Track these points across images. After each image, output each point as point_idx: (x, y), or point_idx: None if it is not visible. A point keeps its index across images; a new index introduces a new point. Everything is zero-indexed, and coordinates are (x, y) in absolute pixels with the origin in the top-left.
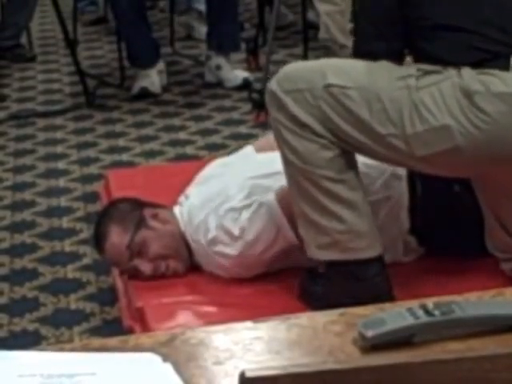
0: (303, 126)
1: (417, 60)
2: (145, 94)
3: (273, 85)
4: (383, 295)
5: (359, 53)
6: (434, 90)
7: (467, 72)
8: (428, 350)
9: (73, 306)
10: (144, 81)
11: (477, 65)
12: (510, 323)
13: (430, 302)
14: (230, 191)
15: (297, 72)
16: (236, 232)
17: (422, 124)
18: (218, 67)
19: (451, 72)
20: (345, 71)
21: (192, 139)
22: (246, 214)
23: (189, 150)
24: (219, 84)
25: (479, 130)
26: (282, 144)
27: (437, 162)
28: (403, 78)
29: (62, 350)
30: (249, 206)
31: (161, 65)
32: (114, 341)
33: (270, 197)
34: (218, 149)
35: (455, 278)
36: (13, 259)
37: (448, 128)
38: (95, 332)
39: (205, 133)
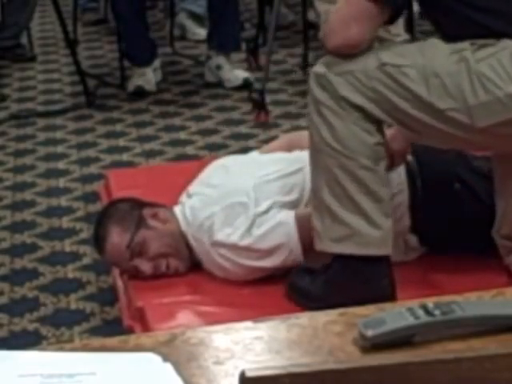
0: (353, 107)
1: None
2: (140, 92)
3: (320, 68)
4: (386, 299)
5: None
6: (492, 60)
7: None
8: (428, 350)
9: (73, 306)
10: (139, 79)
11: None
12: (510, 323)
13: (429, 302)
14: (234, 193)
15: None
16: (245, 242)
17: (486, 94)
18: (219, 67)
19: (508, 43)
20: (397, 52)
21: (192, 139)
22: (260, 228)
23: (189, 149)
24: (219, 84)
25: None
26: (322, 126)
27: (497, 133)
28: (458, 52)
29: (62, 349)
30: (261, 214)
31: (156, 62)
32: (114, 341)
33: (290, 218)
34: (218, 149)
35: (455, 278)
36: (13, 259)
37: None
38: (95, 332)
39: (205, 133)
